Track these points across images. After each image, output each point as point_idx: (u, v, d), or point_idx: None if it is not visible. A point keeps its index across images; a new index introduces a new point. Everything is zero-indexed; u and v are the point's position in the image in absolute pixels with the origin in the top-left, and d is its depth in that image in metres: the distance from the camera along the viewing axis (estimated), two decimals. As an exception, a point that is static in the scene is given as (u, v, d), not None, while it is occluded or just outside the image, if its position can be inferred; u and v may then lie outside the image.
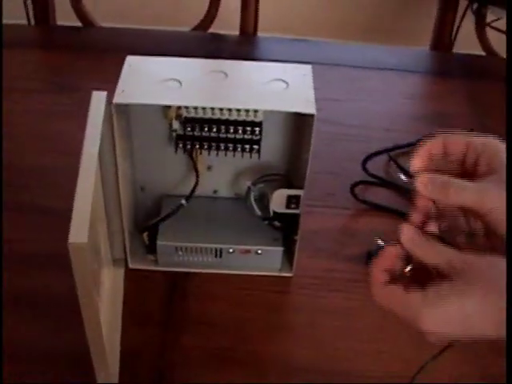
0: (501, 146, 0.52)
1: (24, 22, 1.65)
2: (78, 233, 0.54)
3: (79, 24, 1.30)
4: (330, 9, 2.21)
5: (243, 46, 1.22)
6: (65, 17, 1.30)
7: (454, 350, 0.68)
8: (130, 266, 0.80)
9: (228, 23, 1.30)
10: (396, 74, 1.16)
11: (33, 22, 1.32)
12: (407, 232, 0.51)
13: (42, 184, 0.91)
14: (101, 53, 1.16)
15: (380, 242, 0.57)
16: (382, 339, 0.74)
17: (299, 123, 0.74)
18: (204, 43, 1.20)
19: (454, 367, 0.71)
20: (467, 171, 0.52)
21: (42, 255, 0.81)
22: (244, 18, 1.25)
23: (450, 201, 0.50)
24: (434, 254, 0.50)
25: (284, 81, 0.71)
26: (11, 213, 0.86)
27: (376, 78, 1.15)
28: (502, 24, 1.70)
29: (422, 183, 0.51)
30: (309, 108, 0.68)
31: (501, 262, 0.48)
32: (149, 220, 0.81)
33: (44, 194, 0.90)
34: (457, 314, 0.48)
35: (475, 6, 1.52)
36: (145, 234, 0.80)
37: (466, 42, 1.34)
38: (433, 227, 0.53)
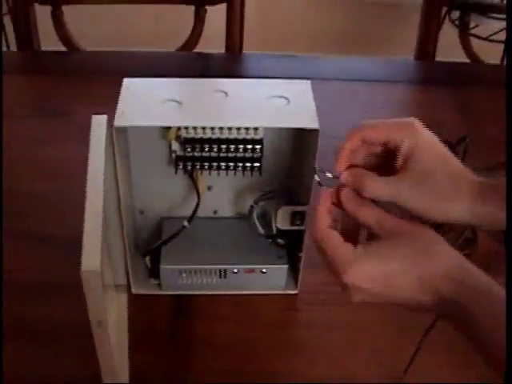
0: (419, 132, 0.54)
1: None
2: (91, 260, 0.53)
3: (63, 49, 1.29)
4: (309, 22, 2.23)
5: (231, 64, 1.22)
6: (48, 42, 1.29)
7: (451, 351, 0.68)
8: (133, 291, 0.79)
9: (211, 42, 1.30)
10: (383, 85, 1.17)
11: (14, 48, 1.31)
12: (345, 191, 0.55)
13: (37, 211, 0.90)
14: (87, 76, 1.15)
15: (328, 174, 0.59)
16: (393, 349, 0.74)
17: (300, 139, 0.74)
18: (192, 62, 1.19)
19: (451, 368, 0.72)
20: (390, 155, 0.56)
21: (42, 284, 0.80)
22: (230, 36, 1.25)
23: (367, 194, 0.54)
24: (367, 213, 0.54)
25: (285, 97, 0.71)
26: (8, 241, 0.84)
27: (364, 90, 1.15)
28: (480, 31, 1.73)
29: (343, 177, 0.55)
30: (312, 123, 0.68)
31: (428, 232, 0.52)
32: (149, 244, 0.80)
33: (40, 220, 0.89)
34: (380, 271, 0.51)
35: (456, 13, 1.54)
36: (147, 258, 0.79)
37: (444, 50, 1.35)
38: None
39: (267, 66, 1.19)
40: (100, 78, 1.13)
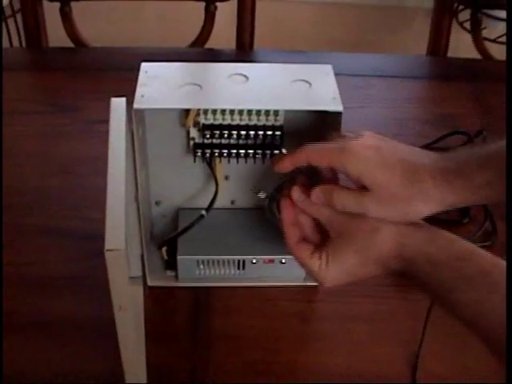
0: (356, 155, 0.58)
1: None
2: (115, 239, 0.52)
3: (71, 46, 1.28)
4: (312, 25, 2.24)
5: (244, 59, 1.22)
6: (55, 41, 1.29)
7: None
8: (149, 283, 0.78)
9: (218, 39, 1.30)
10: (398, 81, 1.16)
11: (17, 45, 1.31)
12: (296, 194, 0.62)
13: (49, 206, 0.89)
14: (97, 72, 1.14)
15: (261, 194, 0.69)
16: (418, 341, 0.72)
17: (322, 124, 0.73)
18: (203, 59, 1.19)
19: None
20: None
21: (52, 277, 0.79)
22: (240, 32, 1.25)
23: (338, 208, 0.59)
24: (316, 210, 0.61)
25: (306, 81, 0.70)
26: (18, 235, 0.84)
27: (379, 86, 1.15)
28: (487, 33, 1.73)
29: (316, 196, 0.60)
30: (335, 105, 0.67)
31: (368, 225, 0.58)
32: (164, 235, 0.79)
33: (50, 215, 0.88)
34: (343, 271, 0.60)
35: (464, 15, 1.54)
36: (163, 249, 0.78)
37: (451, 51, 1.35)
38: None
39: (279, 62, 1.18)
40: (109, 74, 1.13)
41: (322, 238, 0.63)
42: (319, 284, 0.63)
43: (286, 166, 0.62)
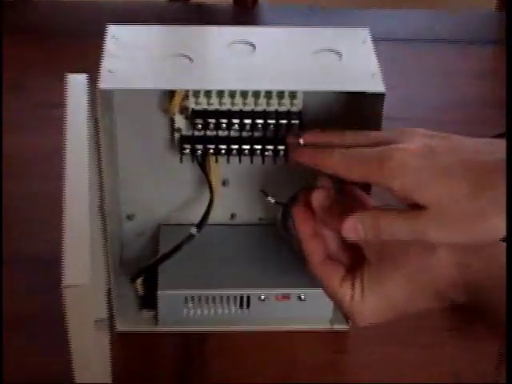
0: (402, 171, 0.58)
1: None
2: (76, 271, 0.53)
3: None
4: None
5: (243, 19, 1.23)
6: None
7: None
8: (119, 328, 0.78)
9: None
10: (454, 47, 1.18)
11: None
12: (318, 194, 0.63)
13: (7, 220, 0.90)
14: (46, 37, 1.16)
15: (270, 198, 0.74)
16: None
17: (355, 110, 0.74)
18: (189, 17, 1.21)
19: None
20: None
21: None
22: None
23: (386, 237, 0.59)
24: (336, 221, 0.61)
25: (335, 51, 0.71)
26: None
27: (429, 55, 1.16)
28: None
29: (349, 228, 0.60)
30: (375, 85, 0.67)
31: (418, 246, 0.60)
32: (140, 261, 0.80)
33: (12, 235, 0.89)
34: (382, 302, 0.62)
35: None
36: (138, 281, 0.79)
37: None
38: None
39: (294, 23, 1.19)
40: (64, 39, 1.15)
41: (352, 257, 0.63)
42: (352, 320, 0.64)
43: (305, 160, 0.63)
